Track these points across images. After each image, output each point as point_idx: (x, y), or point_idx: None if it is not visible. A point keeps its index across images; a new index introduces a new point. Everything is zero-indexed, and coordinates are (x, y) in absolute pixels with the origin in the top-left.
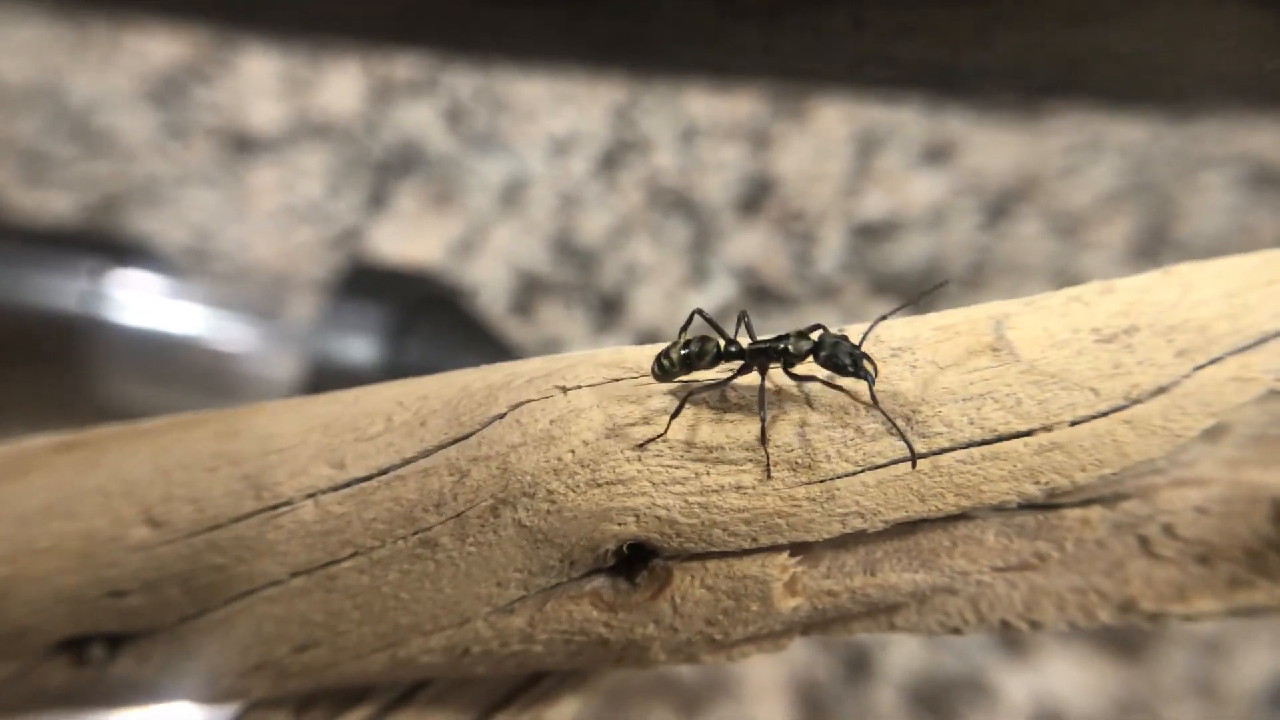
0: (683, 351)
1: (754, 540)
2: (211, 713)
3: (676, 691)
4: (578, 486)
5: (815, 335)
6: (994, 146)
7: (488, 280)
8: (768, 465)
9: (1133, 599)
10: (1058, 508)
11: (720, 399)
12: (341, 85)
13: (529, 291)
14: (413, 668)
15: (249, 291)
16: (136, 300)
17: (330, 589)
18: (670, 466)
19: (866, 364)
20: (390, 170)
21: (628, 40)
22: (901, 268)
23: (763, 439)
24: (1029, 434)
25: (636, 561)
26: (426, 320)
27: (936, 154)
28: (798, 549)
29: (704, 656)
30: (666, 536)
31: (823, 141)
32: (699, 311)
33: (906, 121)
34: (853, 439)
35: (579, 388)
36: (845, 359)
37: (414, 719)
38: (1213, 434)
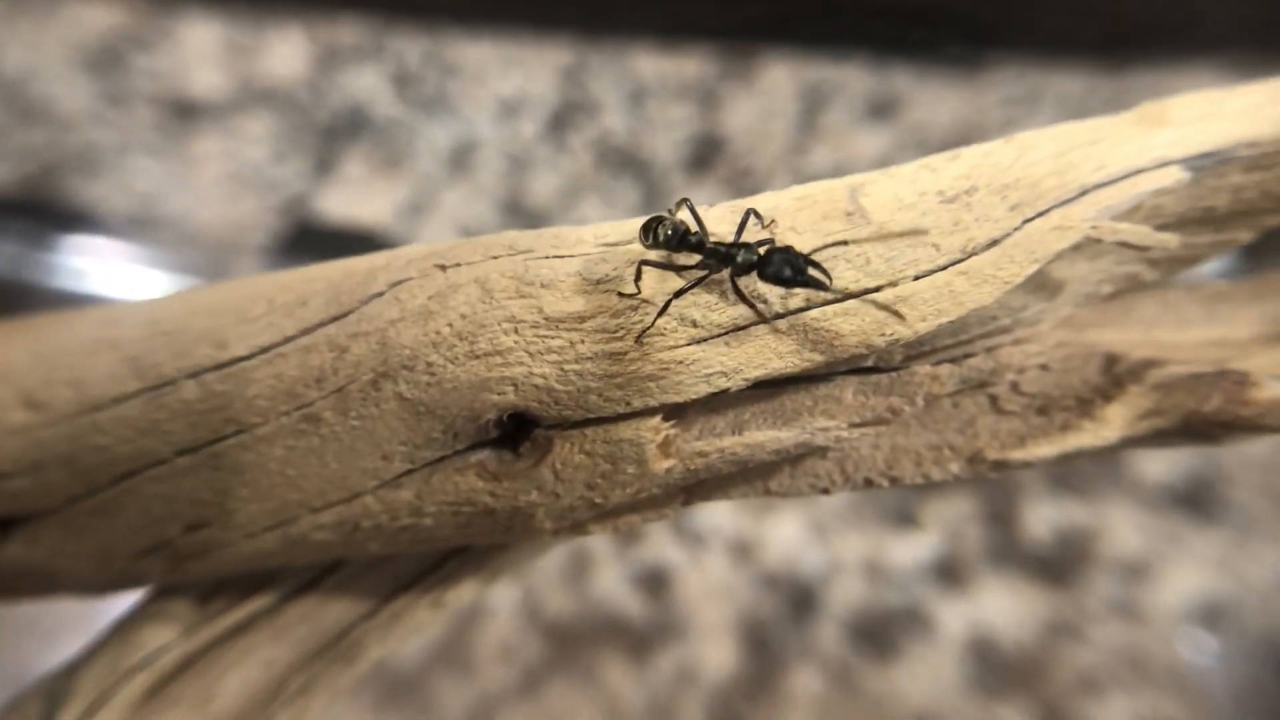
0: (656, 228)
1: (628, 404)
2: (113, 601)
3: (625, 634)
4: (456, 358)
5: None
6: (937, 101)
7: (436, 242)
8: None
9: (979, 450)
10: (908, 366)
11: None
12: (285, 51)
13: None
14: (307, 546)
15: (196, 256)
16: (79, 266)
17: (216, 467)
18: (546, 336)
19: (814, 272)
20: (337, 135)
21: (574, 2)
22: None
23: (751, 308)
24: (876, 290)
25: (519, 433)
26: None
27: (881, 109)
28: (670, 413)
29: (591, 526)
30: (545, 405)
31: (770, 100)
32: (685, 200)
33: (852, 78)
34: (717, 304)
35: (458, 265)
36: (791, 273)
37: (316, 604)
38: (1049, 292)
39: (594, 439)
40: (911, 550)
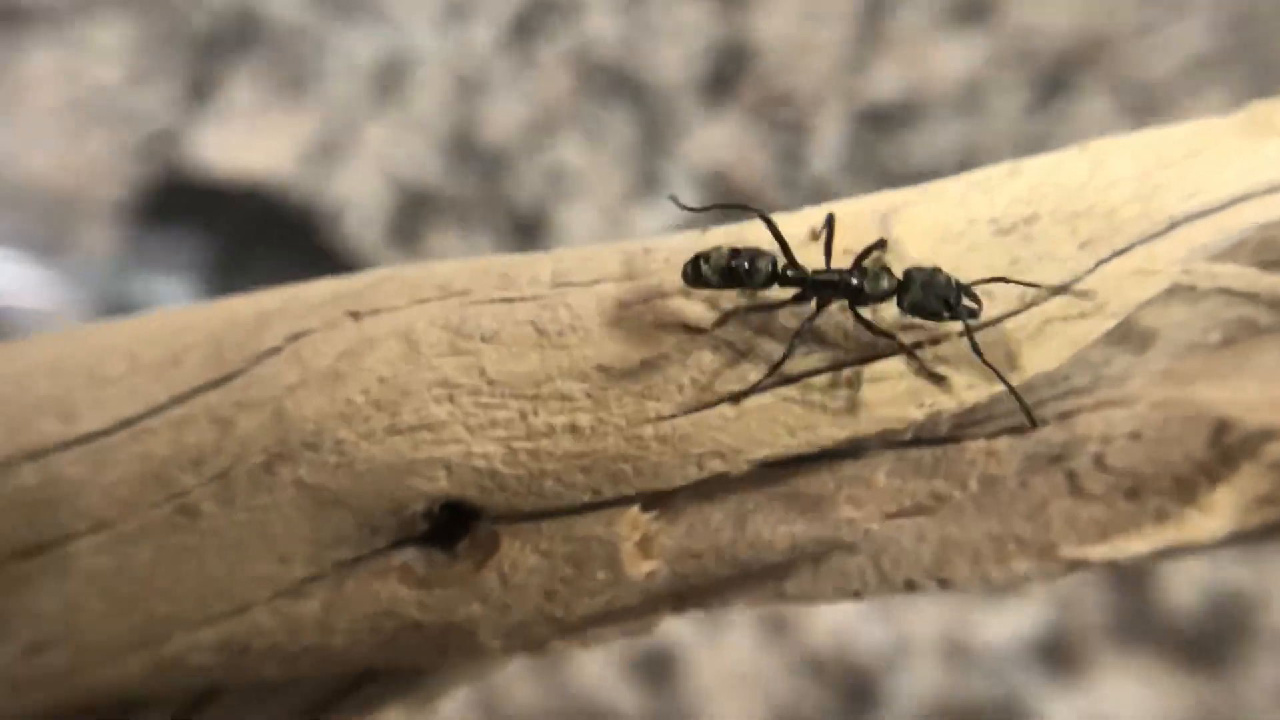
0: (730, 263)
1: (595, 493)
2: None
3: None
4: (373, 434)
5: (899, 272)
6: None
7: (356, 197)
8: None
9: (1052, 544)
10: (958, 440)
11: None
12: None
13: (414, 211)
14: (183, 671)
15: (22, 220)
16: None
17: (64, 573)
18: (489, 406)
19: (967, 301)
20: (219, 49)
21: None
22: (923, 164)
23: (764, 380)
24: (915, 349)
25: (456, 528)
26: (267, 254)
27: (971, 11)
28: (651, 502)
29: (553, 642)
30: (488, 492)
31: None
32: (762, 215)
33: None
34: (710, 361)
35: (375, 312)
36: (938, 305)
37: None
38: (1138, 344)
39: (552, 536)
40: (1009, 624)
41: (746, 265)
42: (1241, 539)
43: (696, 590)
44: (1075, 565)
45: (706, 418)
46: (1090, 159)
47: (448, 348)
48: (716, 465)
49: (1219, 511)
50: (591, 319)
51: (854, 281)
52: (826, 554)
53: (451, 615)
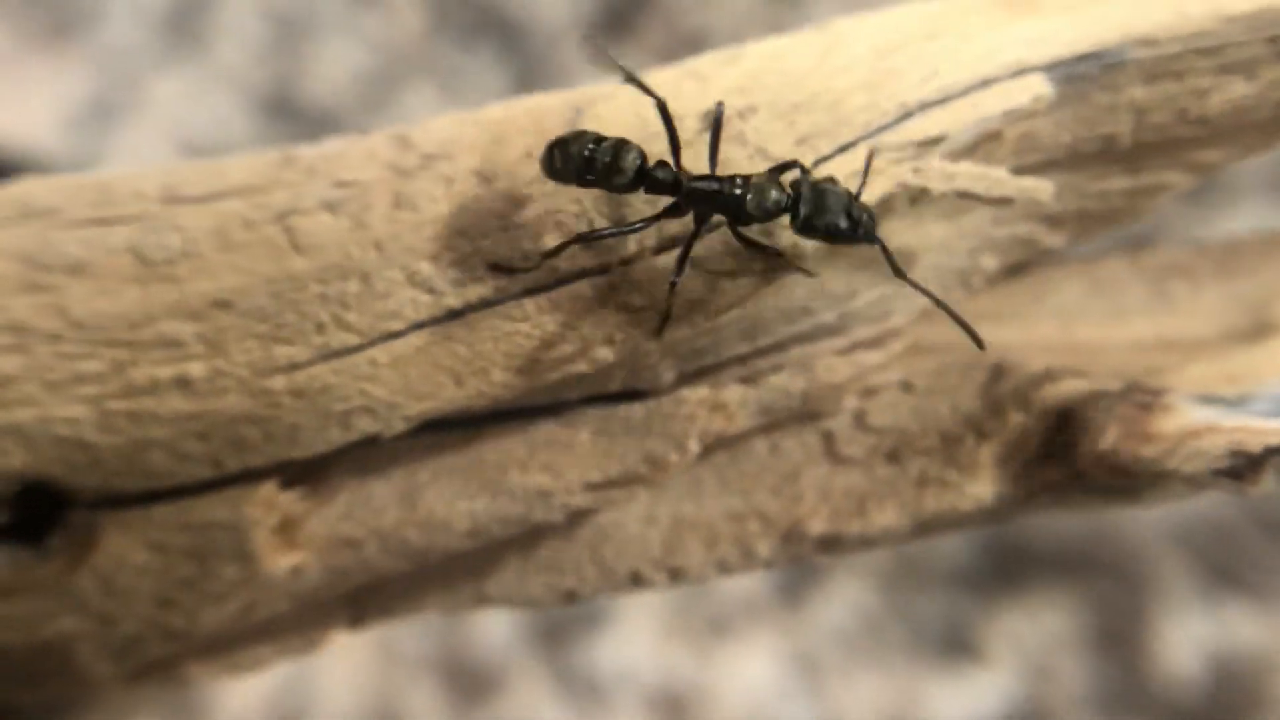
0: (588, 149)
1: (217, 465)
2: None
3: None
4: None
5: (788, 180)
6: None
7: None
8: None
9: (799, 522)
10: (674, 390)
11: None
12: None
13: None
14: None
15: None
16: None
17: None
18: (73, 356)
19: (868, 219)
20: None
21: None
22: None
23: (661, 327)
24: (601, 271)
25: (41, 517)
26: None
27: None
28: (295, 476)
29: (190, 668)
30: (78, 469)
31: None
32: (631, 76)
33: None
34: (356, 293)
35: None
36: (840, 221)
37: None
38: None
39: (165, 524)
40: (967, 699)
41: (610, 156)
42: (1019, 505)
43: (375, 593)
44: (826, 545)
45: (353, 364)
46: (823, 42)
47: (19, 283)
48: (366, 424)
49: (983, 475)
50: (209, 243)
51: (734, 192)
52: (534, 543)
53: (39, 630)
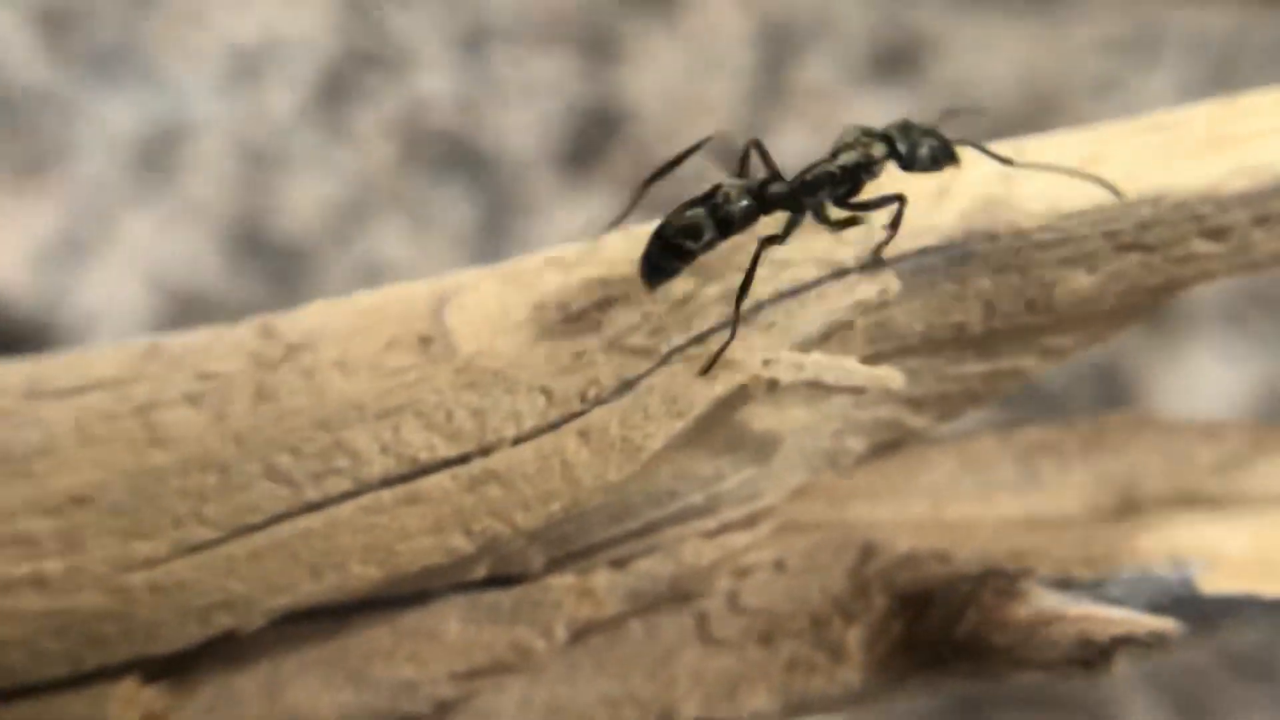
0: (705, 207)
1: (76, 662)
2: None
3: None
4: None
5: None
6: (987, 44)
7: (109, 307)
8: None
9: (673, 707)
10: (541, 576)
11: None
12: None
13: (183, 322)
14: None
15: None
16: None
17: None
18: None
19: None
20: None
21: None
22: None
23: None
24: (461, 461)
25: None
26: None
27: (893, 61)
28: (158, 671)
29: None
30: None
31: (707, 44)
32: (756, 144)
33: (848, 6)
34: (215, 487)
35: None
36: (935, 151)
37: None
38: (756, 454)
39: None
40: None
41: (722, 199)
42: (880, 692)
43: None
44: None
45: (211, 559)
46: None
47: None
48: (224, 620)
49: (850, 659)
50: (69, 437)
51: (840, 165)
52: None
53: None
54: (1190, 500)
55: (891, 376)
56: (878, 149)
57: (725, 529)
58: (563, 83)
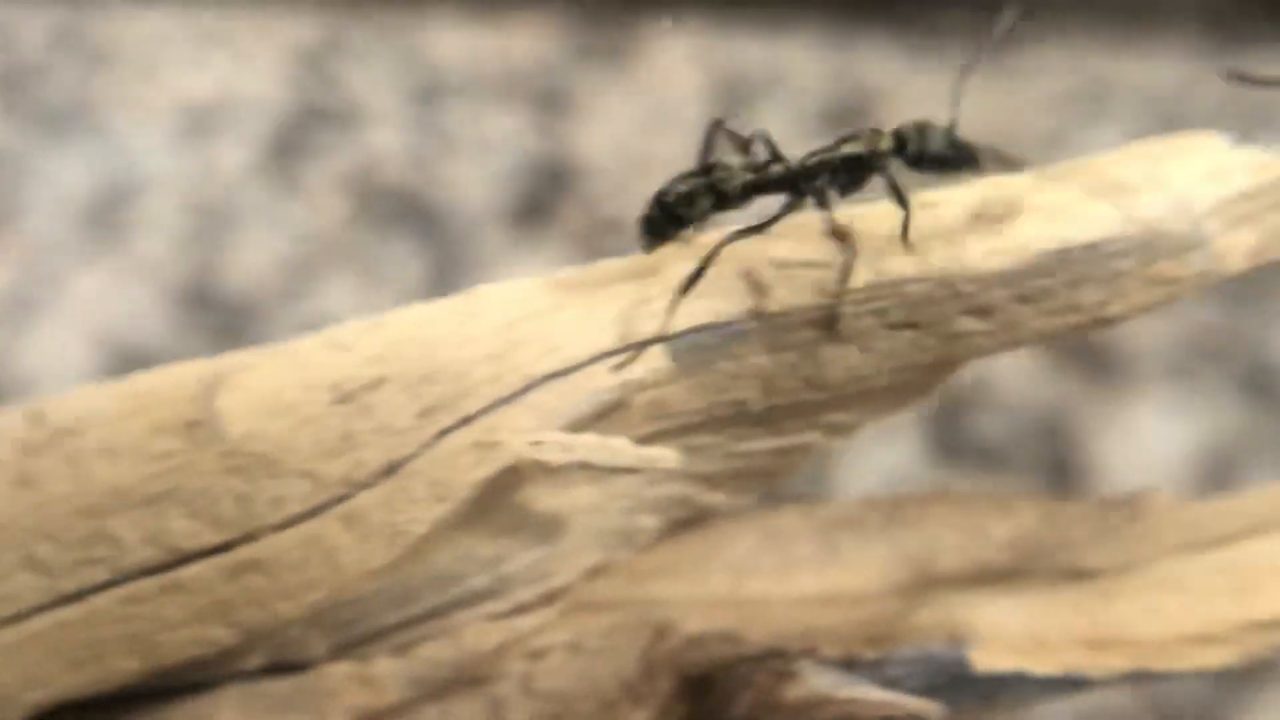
0: (695, 180)
1: None
2: None
3: None
4: None
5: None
6: (938, 99)
7: (55, 366)
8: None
9: None
10: (323, 664)
11: None
12: None
13: None
14: None
15: None
16: None
17: None
18: None
19: (969, 148)
20: None
21: None
22: None
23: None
24: (224, 549)
25: None
26: None
27: (847, 112)
28: None
29: None
30: None
31: (659, 98)
32: (719, 122)
33: (799, 60)
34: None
35: None
36: (946, 147)
37: None
38: (541, 532)
39: None
40: None
41: (725, 175)
42: None
43: None
44: None
45: None
46: (464, 309)
47: None
48: None
49: None
50: None
51: (844, 153)
52: None
53: None
54: (980, 577)
55: (665, 457)
56: (885, 143)
57: (517, 611)
58: (515, 137)
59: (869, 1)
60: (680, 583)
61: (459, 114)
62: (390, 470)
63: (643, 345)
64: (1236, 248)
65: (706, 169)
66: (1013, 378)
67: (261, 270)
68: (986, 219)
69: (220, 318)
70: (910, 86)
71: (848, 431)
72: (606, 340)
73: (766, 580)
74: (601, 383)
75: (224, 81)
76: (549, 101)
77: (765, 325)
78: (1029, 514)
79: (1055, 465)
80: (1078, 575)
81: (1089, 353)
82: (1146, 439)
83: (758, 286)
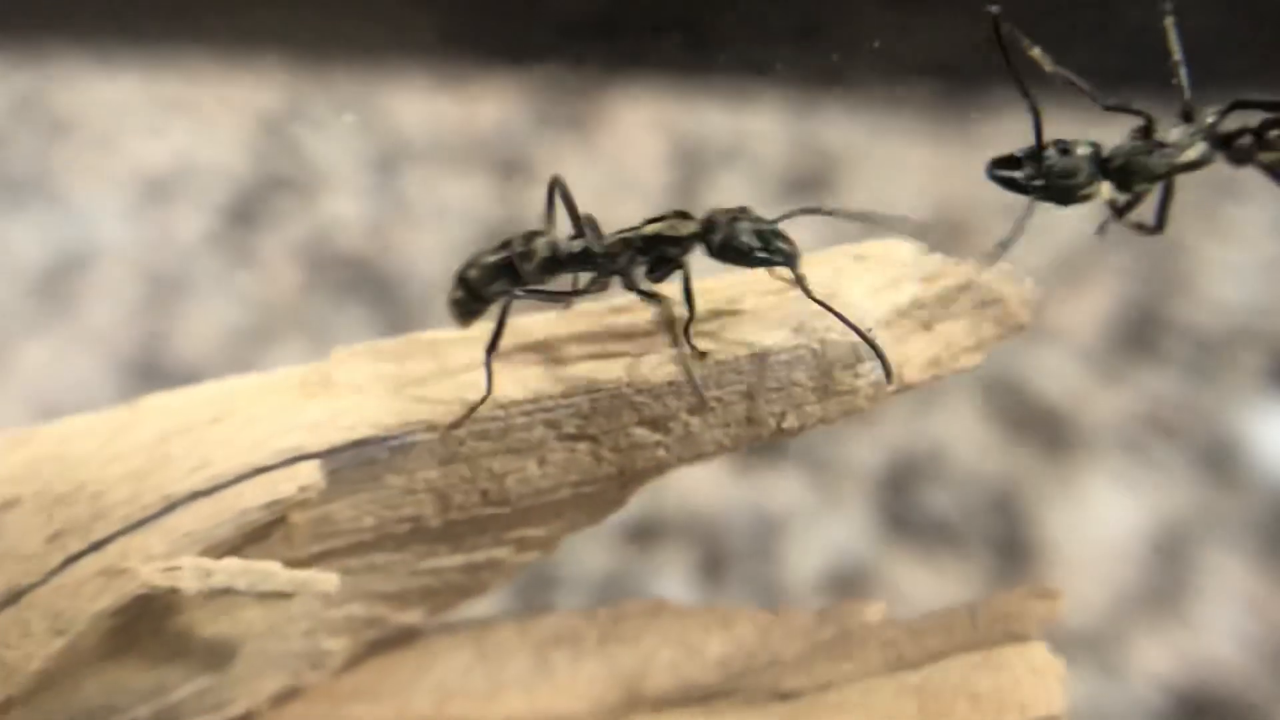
0: (493, 258)
1: None
2: None
3: None
4: None
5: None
6: (898, 166)
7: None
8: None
9: None
10: None
11: None
12: None
13: None
14: None
15: None
16: None
17: None
18: None
19: (781, 243)
20: None
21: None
22: None
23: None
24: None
25: None
26: None
27: (808, 179)
28: None
29: None
30: None
31: (620, 165)
32: (557, 181)
33: (761, 129)
34: None
35: None
36: (751, 240)
37: None
38: (207, 659)
39: None
40: None
41: (523, 248)
42: None
43: None
44: None
45: None
46: (118, 422)
47: None
48: None
49: None
50: None
51: (648, 233)
52: None
53: None
54: (687, 697)
55: (323, 580)
56: (686, 228)
57: None
58: (473, 204)
59: (829, 71)
60: (382, 705)
61: (418, 182)
62: (12, 599)
63: (293, 460)
64: (913, 359)
65: (504, 244)
66: (965, 450)
67: (212, 339)
68: (723, 316)
69: (168, 386)
70: (870, 154)
71: (541, 546)
72: (258, 456)
73: (474, 702)
74: (250, 501)
75: (184, 150)
76: (509, 169)
77: (434, 438)
78: (746, 628)
79: (1006, 541)
80: (782, 696)
81: (1043, 424)
82: (1100, 513)
83: (424, 397)
